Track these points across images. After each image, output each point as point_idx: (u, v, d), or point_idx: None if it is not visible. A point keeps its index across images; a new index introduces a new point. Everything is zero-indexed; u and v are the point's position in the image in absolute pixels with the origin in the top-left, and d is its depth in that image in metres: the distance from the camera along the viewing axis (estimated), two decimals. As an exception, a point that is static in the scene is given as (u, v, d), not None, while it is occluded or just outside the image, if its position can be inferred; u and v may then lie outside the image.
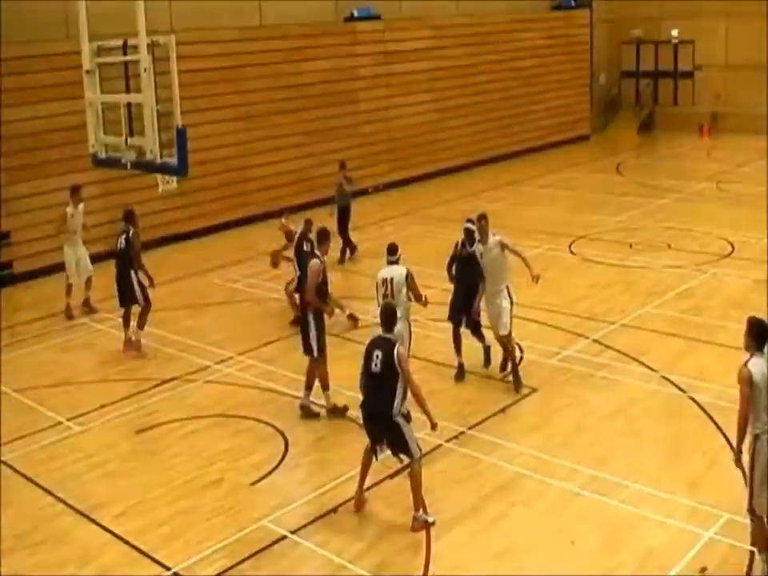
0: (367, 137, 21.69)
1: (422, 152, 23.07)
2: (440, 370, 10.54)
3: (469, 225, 10.32)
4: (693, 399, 9.53)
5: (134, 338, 11.55)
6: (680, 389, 9.82)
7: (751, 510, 6.52)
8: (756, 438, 6.35)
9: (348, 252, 15.76)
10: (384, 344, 7.32)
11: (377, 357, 7.25)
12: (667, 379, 10.09)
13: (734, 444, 6.52)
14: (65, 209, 13.30)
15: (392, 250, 9.59)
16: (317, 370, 9.49)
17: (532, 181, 22.62)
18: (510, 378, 10.10)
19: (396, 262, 9.47)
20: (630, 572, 6.71)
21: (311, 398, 9.58)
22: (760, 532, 6.54)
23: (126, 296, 11.65)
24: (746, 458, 6.51)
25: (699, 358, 10.71)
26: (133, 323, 11.73)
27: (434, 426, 7.36)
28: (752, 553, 6.77)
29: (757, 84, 27.59)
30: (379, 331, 7.56)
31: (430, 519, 7.39)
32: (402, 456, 7.49)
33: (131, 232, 11.61)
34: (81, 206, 13.42)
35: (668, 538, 7.08)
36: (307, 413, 9.50)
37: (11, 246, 15.55)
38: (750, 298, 12.42)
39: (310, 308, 9.36)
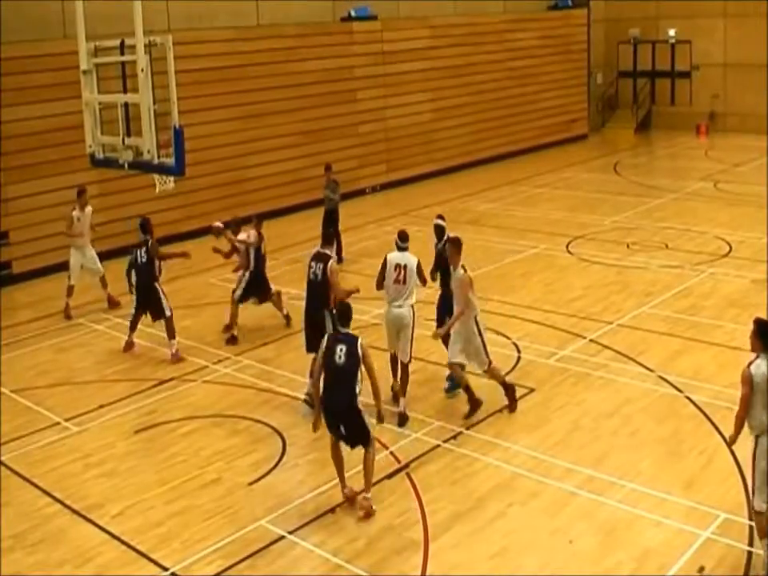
0: (364, 137, 21.71)
1: (420, 152, 23.09)
2: (438, 370, 10.54)
3: (438, 221, 10.30)
4: (689, 399, 9.55)
5: (173, 350, 11.34)
6: (677, 388, 9.84)
7: (752, 508, 6.73)
8: (757, 438, 6.52)
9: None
10: (346, 338, 7.62)
11: (340, 350, 7.52)
12: (664, 379, 10.11)
13: (730, 437, 6.77)
14: (70, 212, 13.26)
15: (403, 236, 9.77)
16: None
17: (529, 180, 22.64)
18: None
19: (407, 249, 9.71)
20: (627, 572, 6.72)
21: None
22: (760, 522, 6.69)
23: (150, 307, 11.42)
24: (748, 459, 6.65)
25: (696, 357, 10.74)
26: (140, 328, 11.71)
27: (381, 419, 7.78)
28: (750, 553, 6.80)
29: (755, 83, 27.63)
30: (372, 330, 7.61)
31: (373, 506, 7.59)
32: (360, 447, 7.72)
33: (150, 243, 11.44)
34: (88, 209, 13.37)
35: (665, 538, 7.09)
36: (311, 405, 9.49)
37: (10, 246, 15.55)
38: (747, 298, 12.45)
39: (328, 306, 9.44)
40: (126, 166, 10.56)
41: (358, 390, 7.51)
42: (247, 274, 11.91)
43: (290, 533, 7.39)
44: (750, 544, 6.90)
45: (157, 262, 11.44)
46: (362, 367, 7.55)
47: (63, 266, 15.55)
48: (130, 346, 11.73)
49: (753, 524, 7.07)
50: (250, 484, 8.23)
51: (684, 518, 7.35)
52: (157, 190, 10.93)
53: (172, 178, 10.59)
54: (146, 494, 8.14)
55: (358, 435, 7.60)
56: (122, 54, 10.42)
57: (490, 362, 9.41)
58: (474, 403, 9.39)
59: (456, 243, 9.46)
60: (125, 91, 10.52)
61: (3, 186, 15.31)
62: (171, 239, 17.31)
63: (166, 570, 7.00)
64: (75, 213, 13.23)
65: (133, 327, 11.73)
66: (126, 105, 10.43)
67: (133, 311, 11.67)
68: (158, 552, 7.21)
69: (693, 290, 13.19)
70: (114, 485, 8.35)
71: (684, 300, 12.79)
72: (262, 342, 11.92)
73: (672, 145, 27.85)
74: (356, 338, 7.60)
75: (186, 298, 13.75)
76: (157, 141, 9.89)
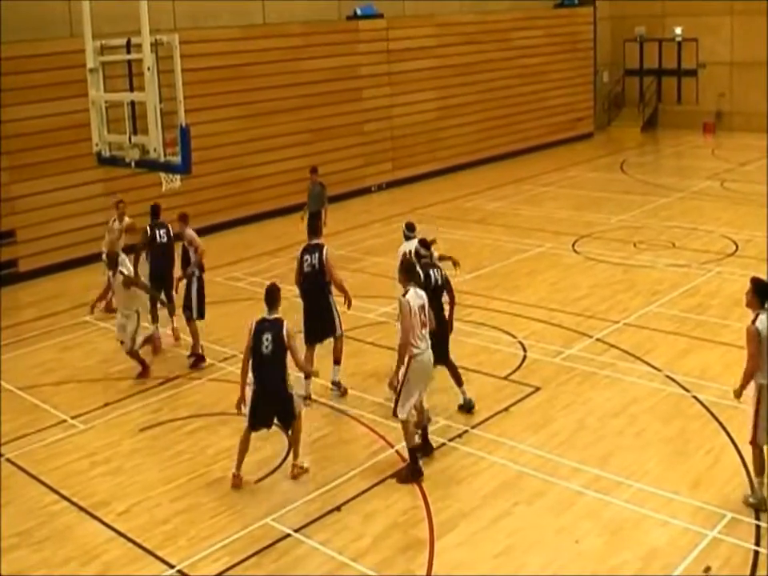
0: (370, 135, 21.70)
1: (425, 150, 23.08)
2: (444, 369, 10.52)
3: (416, 241, 9.64)
4: (696, 398, 9.52)
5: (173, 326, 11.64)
6: (683, 388, 9.82)
7: (753, 442, 7.34)
8: (761, 387, 7.17)
9: None
10: (272, 326, 7.89)
11: (267, 339, 7.83)
12: (671, 378, 10.08)
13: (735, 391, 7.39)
14: (111, 225, 13.12)
15: (411, 227, 10.36)
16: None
17: (535, 179, 22.60)
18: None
19: (415, 237, 10.04)
20: (632, 572, 6.70)
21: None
22: (758, 459, 7.36)
23: (166, 290, 11.63)
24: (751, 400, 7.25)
25: (703, 356, 10.70)
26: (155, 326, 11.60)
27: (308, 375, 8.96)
28: (756, 552, 6.78)
29: (761, 82, 27.54)
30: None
31: (305, 465, 8.22)
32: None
33: (170, 227, 11.64)
34: (126, 220, 13.27)
35: (671, 538, 7.06)
36: (340, 389, 9.95)
37: (16, 244, 15.58)
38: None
39: (331, 293, 9.86)
40: (133, 164, 10.56)
41: (287, 377, 7.98)
42: (195, 280, 11.15)
43: (296, 531, 7.39)
44: (757, 543, 6.89)
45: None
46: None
47: (69, 265, 15.65)
48: (157, 343, 11.50)
49: (759, 524, 7.07)
50: (256, 482, 8.23)
51: (690, 517, 7.33)
52: (163, 188, 10.96)
53: (178, 177, 10.61)
54: (152, 491, 8.15)
55: (288, 415, 8.09)
56: (129, 52, 10.43)
57: (405, 421, 7.97)
58: (411, 471, 8.01)
59: (407, 267, 8.39)
60: (131, 90, 10.52)
61: (10, 185, 15.34)
62: (175, 238, 17.35)
63: (171, 567, 7.01)
64: (116, 225, 13.06)
65: (155, 318, 11.64)
66: (132, 103, 10.42)
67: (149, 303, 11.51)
68: (164, 549, 7.23)
69: (699, 289, 13.16)
70: (120, 482, 8.37)
71: (691, 299, 12.76)
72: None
73: (678, 143, 27.78)
74: (281, 323, 7.90)
75: (191, 296, 13.75)
76: (163, 139, 9.89)
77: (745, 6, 27.67)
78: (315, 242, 9.99)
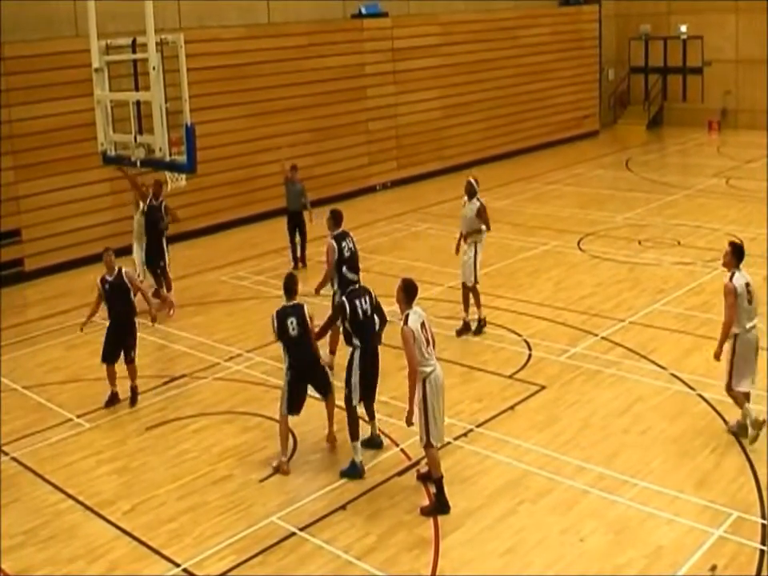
0: (375, 134, 21.70)
1: (430, 149, 23.06)
2: (449, 368, 10.53)
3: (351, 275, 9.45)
4: (701, 396, 9.51)
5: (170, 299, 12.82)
6: (689, 386, 9.80)
7: (729, 387, 8.33)
8: (736, 336, 8.19)
9: (293, 261, 15.00)
10: (294, 310, 8.33)
11: (292, 323, 8.27)
12: (676, 376, 10.06)
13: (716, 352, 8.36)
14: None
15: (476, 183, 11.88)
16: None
17: (540, 177, 22.57)
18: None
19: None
20: (638, 570, 6.70)
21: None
22: (741, 399, 8.34)
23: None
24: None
25: (708, 355, 10.54)
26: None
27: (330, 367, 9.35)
28: (762, 551, 6.77)
29: (766, 80, 27.44)
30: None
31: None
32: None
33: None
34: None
35: (676, 536, 7.06)
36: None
37: (22, 243, 15.62)
38: (758, 295, 12.31)
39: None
40: (138, 163, 10.59)
41: (318, 352, 8.52)
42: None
43: (301, 529, 7.40)
44: (763, 542, 6.88)
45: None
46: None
47: (74, 264, 15.70)
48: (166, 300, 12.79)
49: (765, 522, 7.06)
50: (261, 480, 8.25)
51: (696, 516, 7.32)
52: (169, 187, 11.00)
53: (184, 176, 10.64)
54: (158, 490, 8.17)
55: (324, 385, 8.62)
56: (134, 52, 10.46)
57: (428, 444, 7.49)
58: (439, 505, 7.54)
59: (407, 287, 7.64)
60: (136, 89, 10.55)
61: (16, 184, 15.38)
62: (181, 237, 17.39)
63: (177, 565, 7.03)
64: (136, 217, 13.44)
65: (159, 283, 12.91)
66: (137, 102, 10.46)
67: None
68: (170, 548, 7.24)
69: (705, 287, 13.13)
70: (126, 481, 8.39)
71: (696, 297, 12.74)
72: (272, 338, 11.89)
73: (684, 141, 27.72)
74: (302, 306, 8.39)
75: (196, 295, 13.79)
76: (169, 138, 9.92)
77: (750, 3, 27.59)
78: (342, 230, 10.40)
